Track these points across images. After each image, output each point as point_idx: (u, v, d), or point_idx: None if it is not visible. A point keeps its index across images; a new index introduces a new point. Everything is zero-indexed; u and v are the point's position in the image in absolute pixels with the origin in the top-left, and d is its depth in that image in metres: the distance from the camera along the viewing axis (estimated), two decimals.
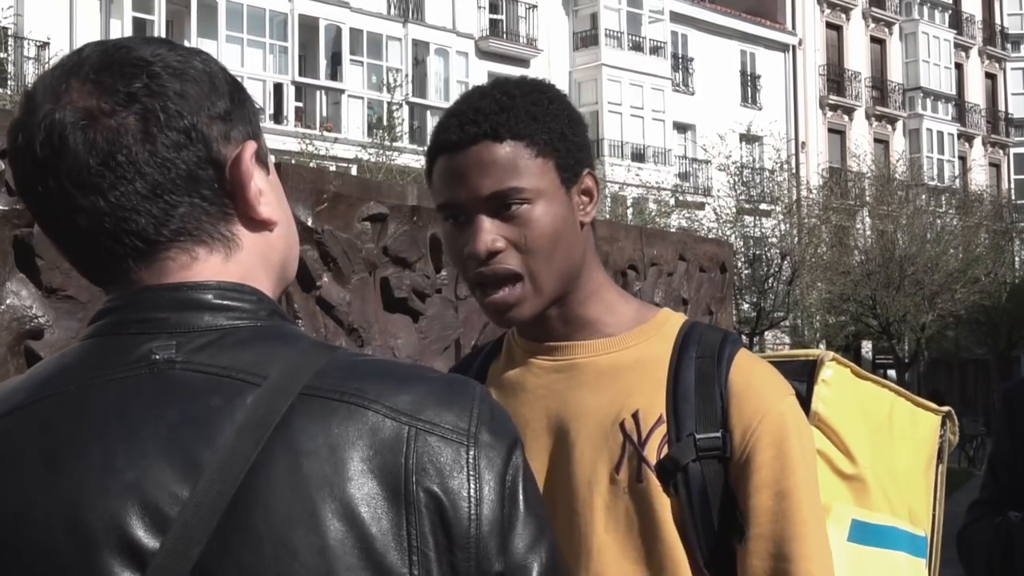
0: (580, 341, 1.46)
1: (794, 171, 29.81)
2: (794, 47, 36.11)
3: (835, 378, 1.59)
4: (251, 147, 1.02)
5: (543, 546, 0.97)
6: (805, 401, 1.53)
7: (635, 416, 1.40)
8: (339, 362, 0.97)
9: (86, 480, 0.90)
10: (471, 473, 0.94)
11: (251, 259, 1.03)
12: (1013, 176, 42.84)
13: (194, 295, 0.98)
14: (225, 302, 0.98)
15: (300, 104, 25.74)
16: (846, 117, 37.65)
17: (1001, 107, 43.55)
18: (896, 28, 39.58)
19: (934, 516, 1.72)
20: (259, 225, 1.03)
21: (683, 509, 1.37)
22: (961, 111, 41.22)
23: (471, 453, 0.94)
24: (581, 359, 1.45)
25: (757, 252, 26.40)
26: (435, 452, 0.93)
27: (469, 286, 1.45)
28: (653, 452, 1.38)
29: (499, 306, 1.41)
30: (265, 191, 1.04)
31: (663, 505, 1.37)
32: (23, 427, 0.94)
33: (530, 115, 1.39)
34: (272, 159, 1.11)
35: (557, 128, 1.41)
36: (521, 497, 0.97)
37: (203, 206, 0.99)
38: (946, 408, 1.78)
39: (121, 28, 22.86)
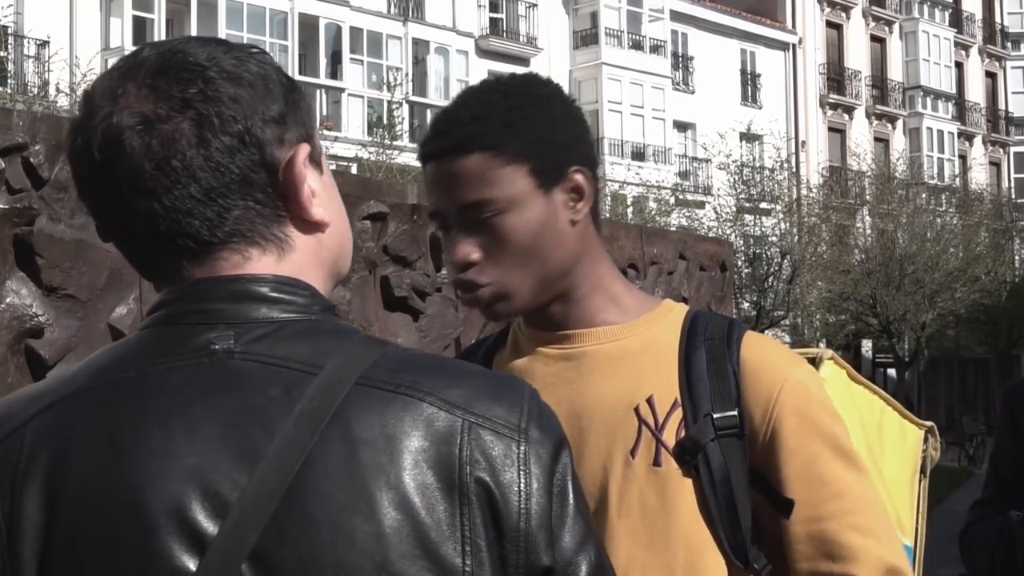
0: (587, 329, 1.48)
1: (794, 170, 29.78)
2: (794, 46, 36.09)
3: (832, 377, 1.60)
4: (304, 150, 1.04)
5: (591, 545, 0.99)
6: None
7: (649, 401, 1.41)
8: (392, 356, 0.99)
9: (146, 464, 0.92)
10: (521, 468, 0.95)
11: (304, 259, 1.04)
12: (1013, 175, 42.83)
13: (250, 287, 1.00)
14: (280, 295, 1.00)
15: None
16: (846, 116, 37.63)
17: (1001, 106, 43.54)
18: (896, 27, 39.56)
19: (917, 529, 1.72)
20: (312, 227, 1.05)
21: (705, 489, 1.38)
22: (961, 110, 41.20)
23: (522, 448, 0.96)
24: (589, 347, 1.47)
25: (757, 251, 26.38)
26: (487, 445, 0.95)
27: (454, 287, 1.48)
28: (671, 436, 1.39)
29: (476, 304, 1.45)
30: (318, 192, 1.05)
31: (683, 488, 1.38)
32: (84, 411, 0.95)
33: (504, 122, 1.40)
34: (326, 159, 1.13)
35: (532, 132, 1.41)
36: (571, 496, 0.99)
37: (256, 208, 1.01)
38: (928, 423, 1.78)
39: (121, 27, 22.86)
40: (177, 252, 1.00)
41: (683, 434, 1.39)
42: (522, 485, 0.95)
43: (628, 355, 1.45)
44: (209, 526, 0.90)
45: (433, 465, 0.93)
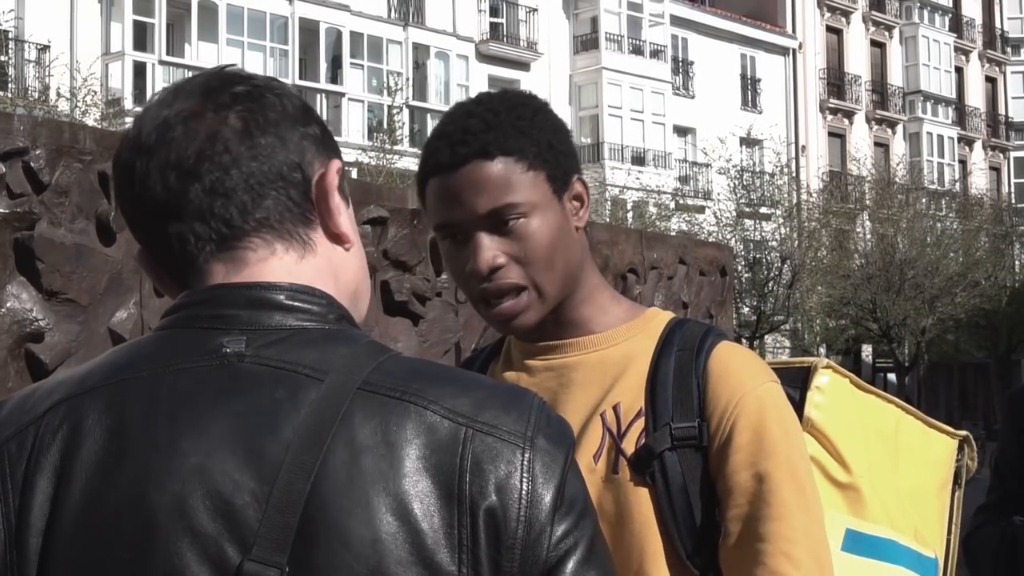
0: (570, 340, 1.49)
1: (794, 175, 29.80)
2: (794, 51, 36.11)
3: (831, 386, 1.57)
4: (337, 165, 1.09)
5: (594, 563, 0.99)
6: (799, 407, 1.52)
7: (615, 409, 1.42)
8: (399, 362, 1.01)
9: (152, 461, 0.94)
10: (524, 475, 0.96)
11: (324, 266, 1.07)
12: (1013, 180, 42.82)
13: (266, 295, 1.02)
14: (295, 303, 1.02)
15: None
16: (846, 121, 37.64)
17: (1001, 111, 43.55)
18: (896, 32, 39.58)
19: (948, 540, 1.69)
20: (336, 238, 1.08)
21: (660, 499, 1.37)
22: (961, 115, 41.21)
23: (526, 456, 0.97)
24: (571, 357, 1.48)
25: (757, 256, 26.41)
26: (491, 453, 0.96)
27: (472, 302, 1.47)
28: (631, 444, 1.40)
29: (505, 316, 1.43)
30: (344, 213, 1.09)
31: (638, 496, 1.38)
32: (95, 408, 0.98)
33: (517, 130, 1.41)
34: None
35: (544, 140, 1.43)
36: (578, 507, 0.99)
37: (288, 204, 1.05)
38: (963, 433, 1.75)
39: (122, 31, 22.87)
40: (207, 236, 1.03)
41: (642, 443, 1.39)
42: (524, 493, 0.95)
43: (605, 364, 1.46)
44: (210, 525, 0.92)
45: (433, 473, 0.94)
